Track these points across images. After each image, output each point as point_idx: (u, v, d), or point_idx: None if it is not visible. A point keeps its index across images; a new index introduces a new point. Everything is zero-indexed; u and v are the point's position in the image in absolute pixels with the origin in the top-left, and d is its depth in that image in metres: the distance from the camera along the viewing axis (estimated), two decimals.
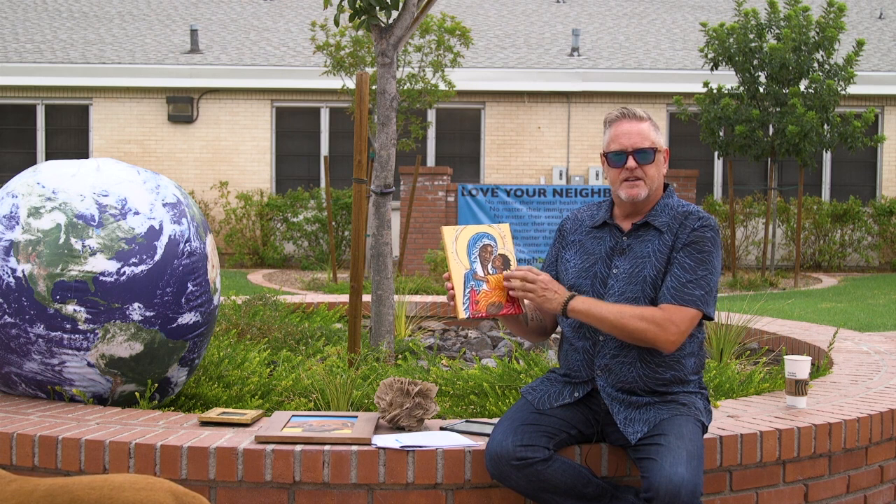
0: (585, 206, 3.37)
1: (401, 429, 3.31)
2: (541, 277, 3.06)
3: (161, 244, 3.68)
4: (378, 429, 3.31)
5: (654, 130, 3.17)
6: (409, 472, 3.07)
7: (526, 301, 3.16)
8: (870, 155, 16.97)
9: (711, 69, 14.08)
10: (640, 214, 3.18)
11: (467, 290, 3.09)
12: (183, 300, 3.71)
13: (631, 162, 3.12)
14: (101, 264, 3.58)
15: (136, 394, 3.74)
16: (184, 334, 3.75)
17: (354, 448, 3.08)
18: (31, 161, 16.55)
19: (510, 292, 3.09)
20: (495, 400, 3.86)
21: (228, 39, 18.41)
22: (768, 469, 3.40)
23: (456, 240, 3.13)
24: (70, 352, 3.60)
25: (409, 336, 6.24)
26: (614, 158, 3.14)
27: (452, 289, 3.09)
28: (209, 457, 3.08)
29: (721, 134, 14.13)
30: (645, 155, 3.11)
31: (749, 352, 5.43)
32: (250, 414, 3.43)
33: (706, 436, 3.21)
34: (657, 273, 3.07)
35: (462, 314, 3.08)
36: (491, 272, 3.13)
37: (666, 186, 3.24)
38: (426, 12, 5.37)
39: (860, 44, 13.63)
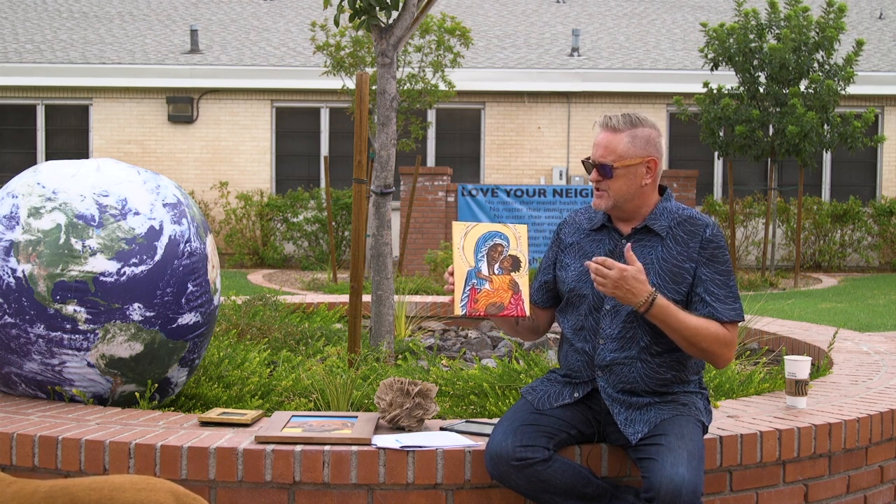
0: (582, 208, 3.36)
1: (401, 429, 3.31)
2: (623, 273, 2.91)
3: (161, 244, 3.68)
4: (378, 429, 3.31)
5: (628, 143, 3.08)
6: (409, 473, 3.07)
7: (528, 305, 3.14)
8: (870, 155, 16.97)
9: (711, 69, 14.08)
10: (639, 218, 3.17)
11: (467, 288, 3.06)
12: (183, 300, 3.71)
13: (594, 174, 3.13)
14: (101, 264, 3.58)
15: (136, 394, 3.74)
16: (184, 334, 3.75)
17: (354, 448, 3.08)
18: (31, 161, 16.55)
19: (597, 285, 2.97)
20: (495, 400, 3.86)
21: (228, 39, 18.42)
22: (768, 469, 3.40)
23: (465, 236, 3.09)
24: (70, 352, 3.60)
25: (409, 336, 6.24)
26: (585, 166, 3.18)
27: (453, 284, 3.08)
28: (209, 457, 3.08)
29: (721, 134, 14.13)
30: (603, 170, 3.11)
31: (749, 352, 5.43)
32: (250, 414, 3.43)
33: (706, 436, 3.21)
34: (662, 282, 3.07)
35: (458, 311, 3.06)
36: (497, 272, 3.09)
37: (664, 190, 3.23)
38: (426, 12, 5.37)
39: (860, 44, 13.63)
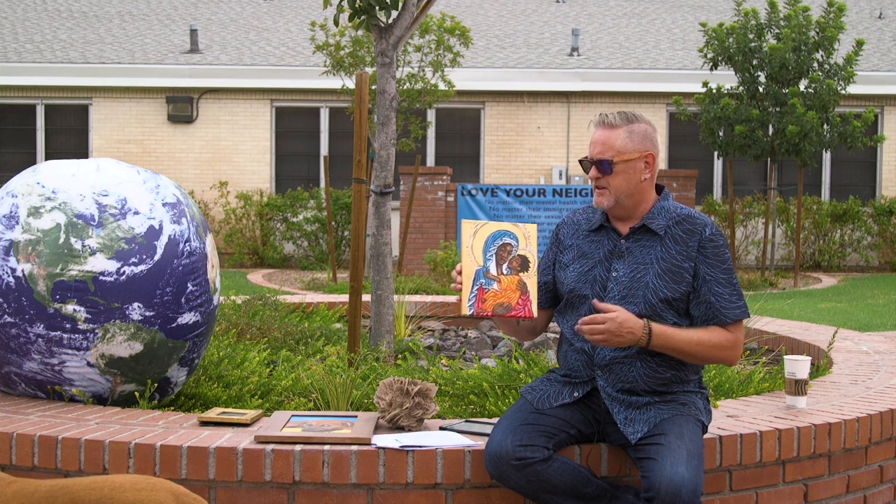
0: (580, 209, 3.34)
1: (400, 429, 3.31)
2: (616, 319, 2.93)
3: (161, 244, 3.68)
4: (378, 429, 3.31)
5: (626, 138, 3.09)
6: (408, 472, 3.07)
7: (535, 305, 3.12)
8: (869, 155, 16.97)
9: (711, 69, 14.08)
10: (637, 218, 3.17)
11: (475, 288, 3.03)
12: (183, 300, 3.71)
13: (593, 171, 3.12)
14: (100, 264, 3.58)
15: (136, 394, 3.74)
16: (184, 334, 3.75)
17: (354, 448, 3.08)
18: (31, 161, 16.55)
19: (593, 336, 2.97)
20: (495, 400, 3.86)
21: (228, 39, 18.41)
22: (768, 469, 3.40)
23: (474, 235, 3.06)
24: (70, 351, 3.60)
25: (409, 336, 6.24)
26: (583, 165, 3.17)
27: (461, 283, 3.06)
28: (209, 457, 3.08)
29: (721, 134, 14.13)
30: (602, 166, 3.10)
31: (749, 352, 5.43)
32: (250, 414, 3.43)
33: (706, 436, 3.21)
34: (661, 282, 3.06)
35: (466, 310, 3.03)
36: (505, 272, 3.05)
37: (661, 189, 3.23)
38: (426, 12, 5.37)
39: (860, 44, 13.63)
